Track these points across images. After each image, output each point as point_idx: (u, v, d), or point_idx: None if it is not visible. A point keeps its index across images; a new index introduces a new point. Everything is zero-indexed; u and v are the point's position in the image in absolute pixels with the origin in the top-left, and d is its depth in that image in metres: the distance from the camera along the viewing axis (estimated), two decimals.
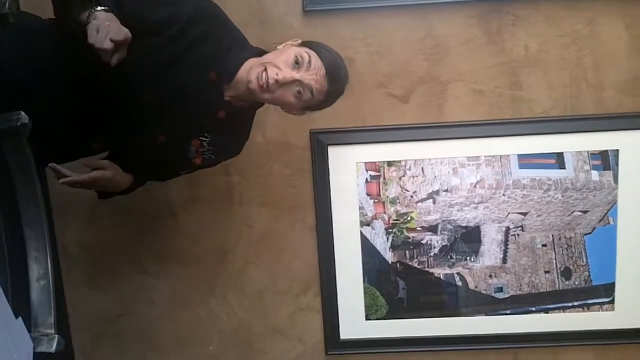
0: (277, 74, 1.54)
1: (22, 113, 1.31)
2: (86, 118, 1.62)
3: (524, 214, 2.17)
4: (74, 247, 2.28)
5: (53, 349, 1.39)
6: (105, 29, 1.38)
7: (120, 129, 1.68)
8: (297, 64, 1.56)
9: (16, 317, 1.23)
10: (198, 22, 1.56)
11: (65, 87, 1.57)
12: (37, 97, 1.54)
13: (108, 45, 1.37)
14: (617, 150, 2.13)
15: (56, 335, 1.40)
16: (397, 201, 2.18)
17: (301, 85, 1.57)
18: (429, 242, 2.20)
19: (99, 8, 1.43)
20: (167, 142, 1.69)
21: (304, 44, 1.64)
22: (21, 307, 1.33)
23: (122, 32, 1.40)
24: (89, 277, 2.31)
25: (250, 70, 1.58)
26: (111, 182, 1.69)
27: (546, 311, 2.24)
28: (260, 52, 1.68)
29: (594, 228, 2.18)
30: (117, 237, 2.28)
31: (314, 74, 1.57)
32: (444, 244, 2.20)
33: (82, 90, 1.58)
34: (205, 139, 1.72)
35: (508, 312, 2.24)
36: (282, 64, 1.56)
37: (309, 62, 1.57)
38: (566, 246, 2.20)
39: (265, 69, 1.55)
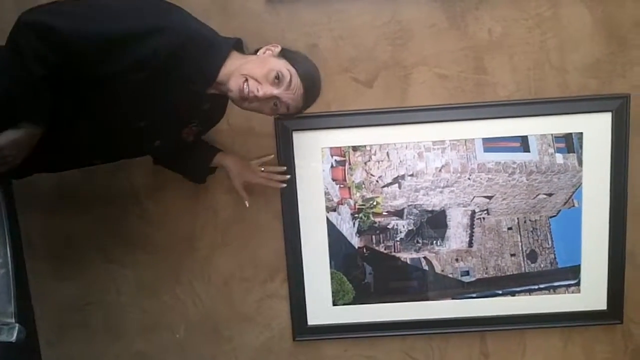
0: (257, 90, 1.65)
1: None
2: (83, 140, 1.74)
3: (490, 197, 2.26)
4: (38, 237, 2.34)
5: (14, 338, 1.45)
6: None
7: (117, 148, 1.86)
8: (277, 79, 1.67)
9: None
10: (171, 52, 1.60)
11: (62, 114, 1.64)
12: None
13: None
14: (581, 133, 2.21)
15: (16, 325, 1.47)
16: (363, 186, 2.25)
17: (279, 100, 1.70)
18: (395, 226, 2.28)
19: (26, 129, 1.56)
20: (162, 143, 1.87)
21: (283, 53, 1.74)
22: None
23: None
24: (54, 267, 2.36)
25: (230, 78, 1.67)
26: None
27: (512, 294, 2.33)
28: (236, 43, 1.77)
29: (559, 211, 2.27)
30: (82, 226, 2.33)
31: (292, 93, 1.70)
32: (410, 228, 2.28)
33: (76, 117, 1.67)
34: (194, 124, 1.91)
35: (474, 295, 2.33)
36: (263, 78, 1.66)
37: (290, 81, 1.68)
38: (532, 229, 2.28)
39: (247, 80, 1.65)
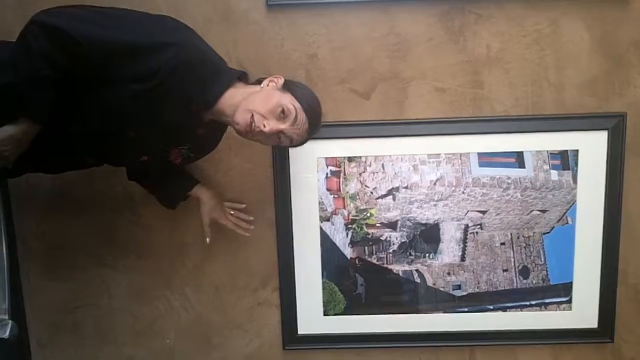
0: (264, 126, 1.72)
1: None
2: (74, 140, 1.80)
3: (483, 212, 2.32)
4: (33, 238, 2.39)
5: (7, 334, 1.51)
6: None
7: (106, 153, 1.91)
8: (283, 114, 1.74)
9: None
10: (175, 69, 1.67)
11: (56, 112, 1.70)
12: None
13: None
14: (577, 150, 2.27)
15: (10, 321, 1.52)
16: (357, 197, 2.31)
17: (283, 134, 1.77)
18: (388, 238, 2.34)
19: (24, 125, 1.63)
20: (148, 159, 1.92)
21: (287, 85, 1.80)
22: None
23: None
24: (47, 269, 2.41)
25: (236, 111, 1.74)
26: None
27: (504, 309, 2.39)
28: (241, 75, 1.85)
29: (553, 227, 2.33)
30: (76, 229, 2.38)
31: (297, 128, 1.78)
32: (403, 240, 2.34)
33: (69, 116, 1.74)
34: (184, 147, 1.95)
35: (465, 309, 2.39)
36: (269, 113, 1.73)
37: (295, 117, 1.75)
38: (524, 245, 2.34)
39: (253, 117, 1.71)
